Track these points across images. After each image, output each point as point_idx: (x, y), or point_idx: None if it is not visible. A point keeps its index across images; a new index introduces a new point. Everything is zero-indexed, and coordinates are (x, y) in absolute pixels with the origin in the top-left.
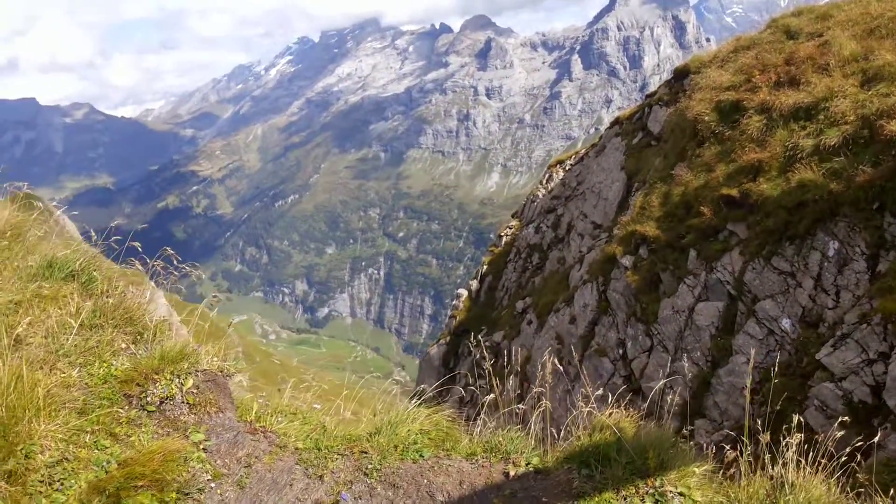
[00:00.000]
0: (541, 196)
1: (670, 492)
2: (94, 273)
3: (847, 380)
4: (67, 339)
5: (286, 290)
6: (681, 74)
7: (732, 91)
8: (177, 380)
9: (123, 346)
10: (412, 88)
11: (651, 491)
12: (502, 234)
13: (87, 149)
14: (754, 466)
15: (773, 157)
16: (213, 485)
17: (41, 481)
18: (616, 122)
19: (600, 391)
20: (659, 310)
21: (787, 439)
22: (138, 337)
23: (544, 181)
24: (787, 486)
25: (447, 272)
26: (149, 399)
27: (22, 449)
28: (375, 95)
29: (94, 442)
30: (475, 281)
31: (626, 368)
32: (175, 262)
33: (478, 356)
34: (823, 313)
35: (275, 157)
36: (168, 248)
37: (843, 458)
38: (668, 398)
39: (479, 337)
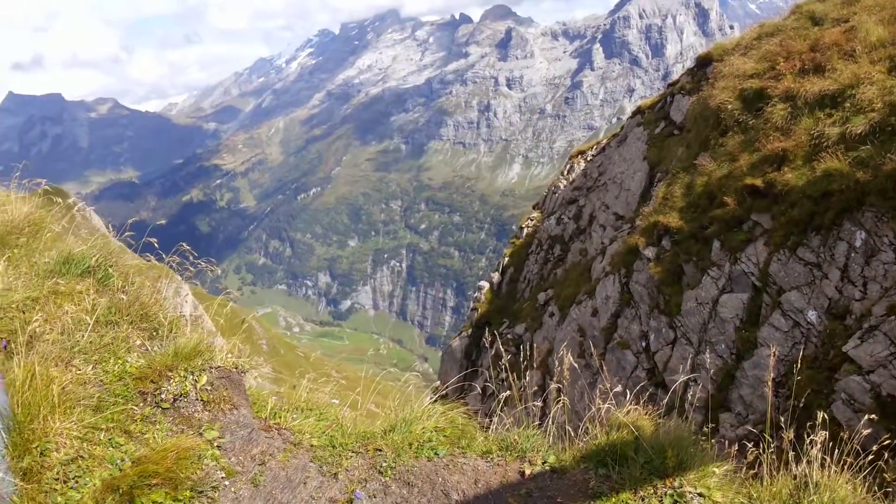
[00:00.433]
0: (562, 187)
1: (689, 492)
2: (110, 269)
3: (875, 373)
4: (82, 336)
5: (309, 283)
6: (703, 62)
7: (756, 79)
8: (191, 377)
9: (138, 342)
10: (433, 80)
11: (669, 491)
12: (524, 225)
13: (112, 143)
14: (778, 464)
15: (798, 146)
16: (226, 483)
17: (56, 479)
18: (638, 111)
19: (619, 388)
20: (682, 302)
21: (812, 436)
22: (153, 333)
23: (566, 172)
24: (811, 486)
25: (469, 264)
26: (163, 396)
27: (37, 446)
28: (396, 87)
29: (109, 439)
30: (497, 273)
31: (650, 361)
32: (191, 258)
33: (498, 350)
34: (850, 305)
35: (297, 149)
36: (184, 244)
37: (870, 456)
38: (692, 391)
39: (500, 330)
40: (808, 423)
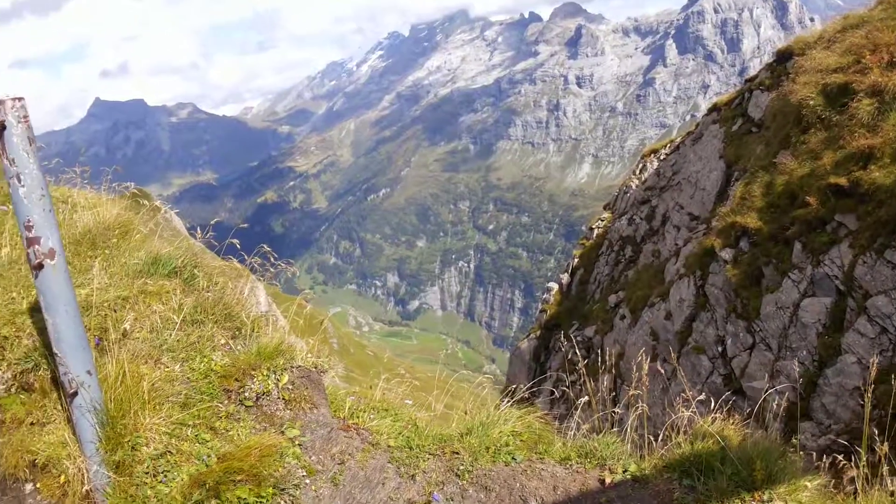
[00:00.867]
0: (634, 187)
1: None
2: (196, 270)
3: None
4: (170, 335)
5: (378, 283)
6: (783, 57)
7: (840, 73)
8: (273, 375)
9: (222, 341)
10: (501, 79)
11: None
12: (594, 226)
13: (191, 147)
14: (871, 478)
15: (886, 143)
16: (307, 481)
17: (146, 473)
18: (714, 108)
19: (702, 395)
20: (761, 306)
21: None
22: (237, 332)
23: (637, 171)
24: None
25: (537, 265)
26: (246, 394)
27: (129, 441)
28: (464, 87)
29: (196, 435)
30: (566, 274)
31: (726, 367)
32: (272, 259)
33: (569, 352)
34: None
35: (367, 151)
36: (265, 245)
37: None
38: (772, 399)
39: (569, 332)
40: None
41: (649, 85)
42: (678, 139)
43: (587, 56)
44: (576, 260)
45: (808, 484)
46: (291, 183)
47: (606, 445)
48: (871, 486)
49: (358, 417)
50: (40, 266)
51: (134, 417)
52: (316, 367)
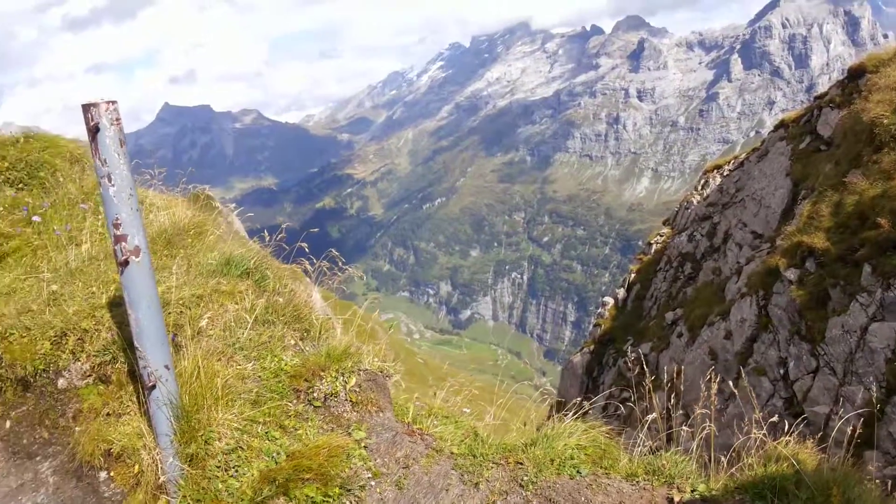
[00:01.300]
0: (695, 203)
1: None
2: (267, 271)
3: None
4: (243, 333)
5: (431, 291)
6: (855, 74)
7: None
8: (341, 377)
9: (292, 342)
10: (561, 91)
11: None
12: (652, 241)
13: (254, 152)
14: None
15: None
16: (372, 483)
17: (218, 467)
18: (781, 124)
19: (775, 417)
20: (826, 328)
21: None
22: (305, 334)
23: (699, 187)
24: None
25: (592, 279)
26: (315, 395)
27: (202, 435)
28: (523, 99)
29: (266, 433)
30: (622, 289)
31: (788, 390)
32: (339, 263)
33: (625, 368)
34: None
35: (424, 160)
36: (333, 250)
37: None
38: (837, 425)
39: (624, 348)
40: None
41: (712, 100)
42: (742, 155)
43: (649, 69)
44: (633, 275)
45: None
46: (349, 190)
47: (675, 464)
48: None
49: (421, 423)
50: (126, 263)
51: (207, 412)
52: (382, 372)
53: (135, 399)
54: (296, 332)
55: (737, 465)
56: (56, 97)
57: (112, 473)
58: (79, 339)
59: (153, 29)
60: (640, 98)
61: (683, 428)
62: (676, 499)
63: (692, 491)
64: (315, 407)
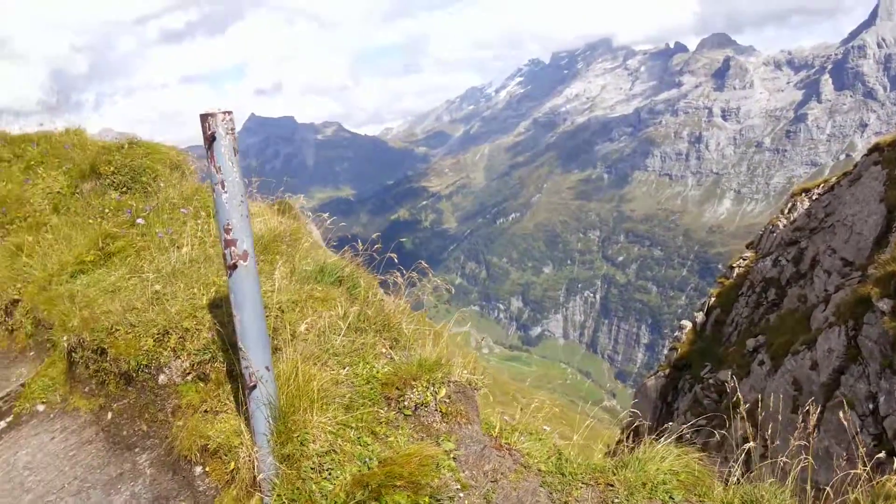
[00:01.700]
0: (781, 226)
1: None
2: (359, 280)
3: None
4: (336, 340)
5: (501, 307)
6: None
7: None
8: (431, 388)
9: (383, 350)
10: (641, 109)
11: None
12: (734, 265)
13: (334, 163)
14: None
15: None
16: (461, 495)
17: (312, 468)
18: (875, 148)
19: (882, 454)
20: None
21: None
22: (394, 342)
23: (786, 210)
24: None
25: (667, 301)
26: (405, 403)
27: (298, 436)
28: (602, 116)
29: (358, 438)
30: (701, 313)
31: (877, 426)
32: (430, 275)
33: (702, 395)
34: None
35: (499, 175)
36: (423, 262)
37: None
38: None
39: (702, 374)
40: None
41: (801, 121)
42: (833, 179)
43: (734, 88)
44: (713, 299)
45: None
46: (424, 202)
47: (774, 495)
48: None
49: (507, 438)
50: (234, 266)
51: (303, 414)
52: (470, 384)
53: (232, 398)
54: (386, 341)
55: (840, 499)
56: (151, 106)
57: (207, 469)
58: (180, 337)
59: (242, 43)
60: (724, 117)
61: (782, 458)
62: None
63: None
64: (405, 415)
